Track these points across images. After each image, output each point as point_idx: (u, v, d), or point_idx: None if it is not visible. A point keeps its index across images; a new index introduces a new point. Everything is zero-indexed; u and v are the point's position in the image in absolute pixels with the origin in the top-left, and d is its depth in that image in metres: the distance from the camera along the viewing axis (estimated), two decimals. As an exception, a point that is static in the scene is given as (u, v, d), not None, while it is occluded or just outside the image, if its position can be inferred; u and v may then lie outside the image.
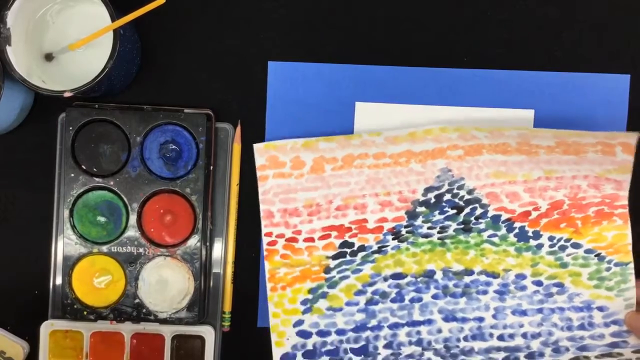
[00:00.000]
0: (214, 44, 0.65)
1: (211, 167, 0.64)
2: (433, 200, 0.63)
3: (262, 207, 0.63)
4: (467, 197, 0.63)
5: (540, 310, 0.64)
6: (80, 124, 0.62)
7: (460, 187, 0.62)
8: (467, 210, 0.63)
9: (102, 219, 0.63)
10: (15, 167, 0.65)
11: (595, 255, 0.63)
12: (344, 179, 0.63)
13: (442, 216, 0.63)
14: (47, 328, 0.63)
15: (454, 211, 0.63)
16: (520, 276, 0.64)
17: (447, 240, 0.64)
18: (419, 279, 0.64)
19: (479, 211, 0.63)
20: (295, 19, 0.65)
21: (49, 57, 0.61)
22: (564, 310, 0.64)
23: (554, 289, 0.64)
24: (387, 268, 0.64)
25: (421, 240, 0.64)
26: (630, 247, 0.63)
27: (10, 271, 0.65)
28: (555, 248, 0.63)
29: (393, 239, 0.63)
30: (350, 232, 0.63)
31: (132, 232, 0.63)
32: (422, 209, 0.63)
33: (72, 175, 0.63)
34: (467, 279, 0.64)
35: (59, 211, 0.64)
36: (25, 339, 0.65)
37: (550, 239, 0.63)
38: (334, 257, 0.64)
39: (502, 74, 0.64)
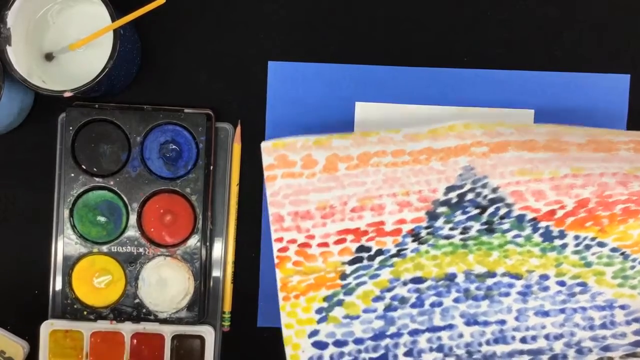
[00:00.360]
0: (214, 43, 0.65)
1: (211, 167, 0.64)
2: (455, 199, 0.59)
3: (270, 210, 0.59)
4: (490, 196, 0.59)
5: (562, 311, 0.62)
6: (80, 124, 0.62)
7: (484, 186, 0.59)
8: (490, 209, 0.60)
9: (102, 218, 0.63)
10: (15, 167, 0.65)
11: (620, 254, 0.62)
12: (359, 179, 0.59)
13: (465, 216, 0.60)
14: (47, 328, 0.63)
15: (477, 211, 0.60)
16: (544, 277, 0.62)
17: (470, 242, 0.61)
18: (439, 283, 0.61)
19: (503, 211, 0.60)
20: (295, 19, 0.65)
21: (49, 57, 0.61)
22: (586, 310, 0.62)
23: (577, 289, 0.62)
24: (406, 272, 0.61)
25: (442, 242, 0.61)
26: None
27: (10, 271, 0.65)
28: (580, 247, 0.61)
29: (412, 241, 0.60)
30: (367, 235, 0.60)
31: (132, 232, 0.63)
32: (444, 209, 0.60)
33: (72, 175, 0.63)
34: (489, 281, 0.62)
35: (59, 211, 0.64)
36: (25, 339, 0.65)
37: (576, 238, 0.61)
38: (350, 263, 0.60)
39: (502, 74, 0.64)
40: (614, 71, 0.64)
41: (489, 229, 0.61)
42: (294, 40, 0.65)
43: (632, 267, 0.62)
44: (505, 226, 0.61)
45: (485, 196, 0.59)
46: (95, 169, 0.63)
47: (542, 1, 0.64)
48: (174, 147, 0.63)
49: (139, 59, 0.64)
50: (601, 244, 0.62)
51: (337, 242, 0.60)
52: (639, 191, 0.60)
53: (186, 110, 0.63)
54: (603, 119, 0.64)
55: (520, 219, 0.60)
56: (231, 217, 0.65)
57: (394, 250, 0.60)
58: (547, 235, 0.61)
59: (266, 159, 0.59)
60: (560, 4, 0.64)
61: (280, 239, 0.60)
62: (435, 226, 0.60)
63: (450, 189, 0.59)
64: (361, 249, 0.60)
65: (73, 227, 0.63)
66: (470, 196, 0.59)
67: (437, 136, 0.59)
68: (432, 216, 0.60)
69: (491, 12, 0.65)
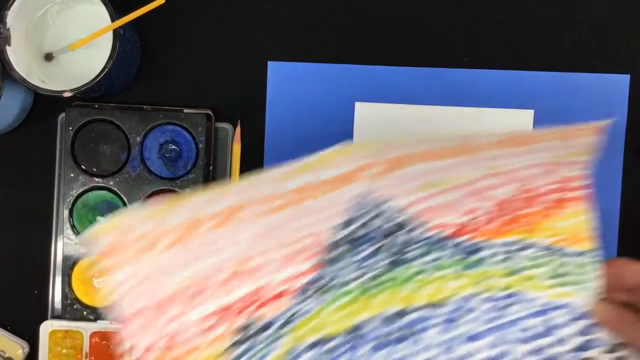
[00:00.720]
0: (214, 43, 0.65)
1: (211, 167, 0.64)
2: (353, 235, 0.49)
3: (116, 311, 0.44)
4: (395, 220, 0.50)
5: (494, 329, 0.52)
6: (80, 124, 0.62)
7: (386, 211, 0.49)
8: (395, 238, 0.50)
9: (101, 219, 0.63)
10: (15, 167, 0.65)
11: (554, 251, 0.52)
12: (230, 239, 0.46)
13: (366, 253, 0.49)
14: (46, 328, 0.63)
15: (380, 244, 0.50)
16: (467, 298, 0.52)
17: (376, 281, 0.50)
18: (349, 337, 0.50)
19: (410, 236, 0.50)
20: (295, 19, 0.65)
21: (48, 57, 0.61)
22: (522, 320, 0.52)
23: (508, 301, 0.52)
24: (307, 335, 0.49)
25: (344, 289, 0.50)
26: (591, 232, 0.52)
27: (10, 271, 0.65)
28: (506, 255, 0.52)
29: (308, 297, 0.49)
30: (251, 306, 0.47)
31: (132, 232, 0.63)
32: (340, 250, 0.49)
33: (72, 175, 0.63)
34: (405, 320, 0.51)
35: (59, 211, 0.64)
36: (25, 339, 0.65)
37: (499, 245, 0.52)
38: (236, 345, 0.47)
39: (502, 74, 0.64)
40: (614, 71, 0.64)
41: (397, 261, 0.51)
42: (294, 40, 0.65)
43: (566, 263, 0.52)
44: (415, 252, 0.51)
45: (389, 222, 0.50)
46: (95, 169, 0.63)
47: (542, 1, 0.64)
48: (173, 147, 0.63)
49: (139, 59, 0.64)
50: (530, 246, 0.52)
51: (214, 326, 0.46)
52: (566, 177, 0.52)
53: (186, 111, 0.63)
54: (603, 119, 0.64)
55: (432, 240, 0.51)
56: (231, 217, 0.64)
57: (287, 315, 0.48)
58: (465, 252, 0.52)
59: (99, 247, 0.44)
60: (560, 4, 0.64)
61: (135, 347, 0.44)
62: (333, 272, 0.49)
63: (346, 224, 0.49)
64: (246, 325, 0.47)
65: (73, 227, 0.63)
66: (371, 227, 0.49)
67: (320, 166, 0.47)
68: (328, 262, 0.49)
69: (491, 12, 0.65)
